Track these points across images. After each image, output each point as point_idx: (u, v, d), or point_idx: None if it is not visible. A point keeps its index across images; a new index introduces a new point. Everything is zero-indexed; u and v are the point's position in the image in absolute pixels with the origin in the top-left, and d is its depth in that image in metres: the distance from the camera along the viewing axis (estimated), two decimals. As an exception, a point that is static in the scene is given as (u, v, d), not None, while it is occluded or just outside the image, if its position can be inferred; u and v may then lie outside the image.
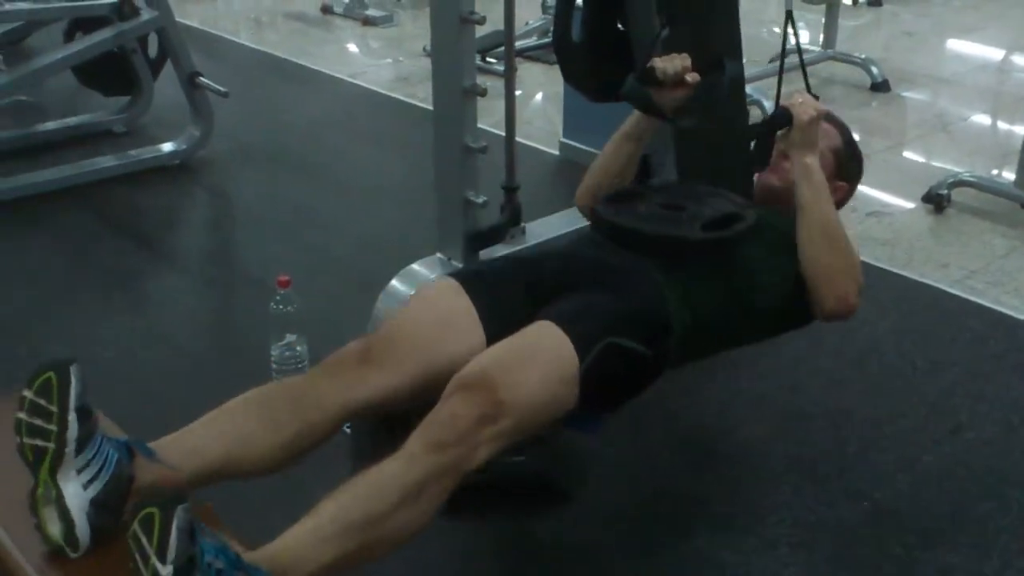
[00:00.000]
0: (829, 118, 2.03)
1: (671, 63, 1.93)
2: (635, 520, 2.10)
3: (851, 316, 1.88)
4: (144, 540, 1.23)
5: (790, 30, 1.97)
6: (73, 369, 1.41)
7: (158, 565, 1.22)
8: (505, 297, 1.79)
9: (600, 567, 2.00)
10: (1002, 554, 2.01)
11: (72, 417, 1.39)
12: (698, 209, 1.90)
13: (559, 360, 1.62)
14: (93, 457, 1.41)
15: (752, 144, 1.98)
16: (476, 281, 1.82)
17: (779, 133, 1.92)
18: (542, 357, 1.62)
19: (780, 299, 1.90)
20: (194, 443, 1.55)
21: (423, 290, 1.83)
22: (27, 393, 1.41)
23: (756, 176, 2.12)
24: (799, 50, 1.96)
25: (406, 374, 1.69)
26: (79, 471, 1.40)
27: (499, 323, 1.72)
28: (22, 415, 1.40)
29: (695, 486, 2.21)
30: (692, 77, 1.94)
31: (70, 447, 1.38)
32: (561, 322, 1.65)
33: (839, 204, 2.02)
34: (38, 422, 1.39)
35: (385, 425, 1.97)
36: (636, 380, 1.75)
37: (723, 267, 1.84)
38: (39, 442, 1.38)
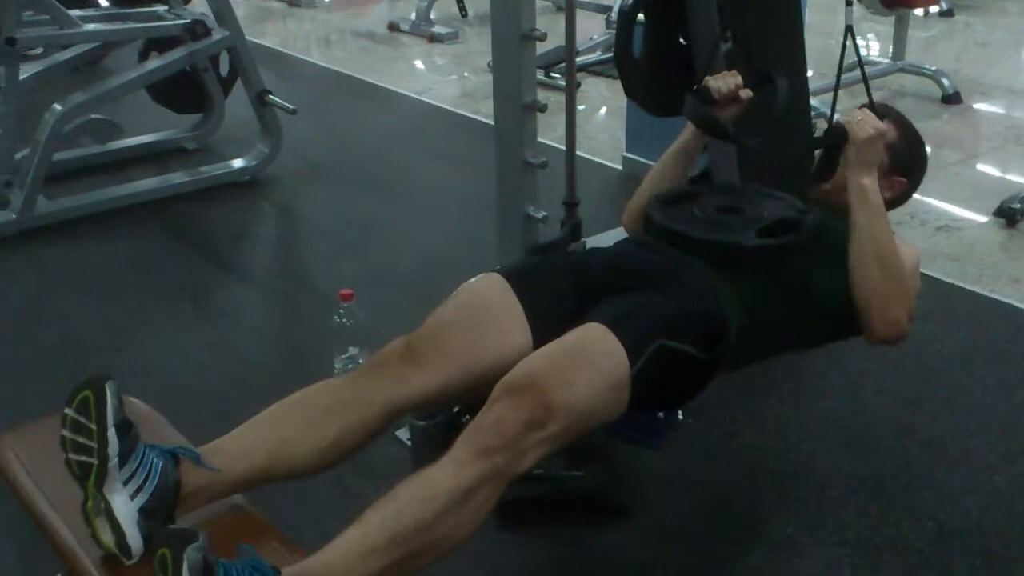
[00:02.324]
0: (888, 113, 1.98)
1: (723, 81, 1.94)
2: (692, 537, 2.09)
3: (901, 342, 1.84)
4: None
5: (851, 43, 1.94)
6: (108, 386, 1.42)
7: None
8: (552, 296, 1.76)
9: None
10: (1075, 578, 1.96)
11: (111, 433, 1.41)
12: (755, 213, 1.86)
13: (610, 364, 1.58)
14: (138, 468, 1.43)
15: (816, 156, 1.97)
16: (523, 278, 1.78)
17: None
18: (592, 361, 1.58)
19: (836, 305, 1.83)
20: (241, 446, 1.57)
21: (469, 284, 1.79)
22: (68, 411, 1.43)
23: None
24: (861, 64, 1.92)
25: (449, 374, 1.67)
26: (125, 483, 1.42)
27: (545, 322, 1.69)
28: (66, 432, 1.42)
29: (755, 504, 2.18)
30: (745, 94, 1.95)
31: (113, 462, 1.41)
32: (612, 325, 1.61)
33: (897, 200, 1.99)
34: (80, 439, 1.41)
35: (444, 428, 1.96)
36: (689, 383, 1.72)
37: (779, 273, 1.80)
38: (83, 458, 1.41)
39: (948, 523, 2.10)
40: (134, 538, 1.41)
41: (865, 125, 1.82)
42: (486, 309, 1.74)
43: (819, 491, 2.21)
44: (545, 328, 1.68)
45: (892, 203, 1.97)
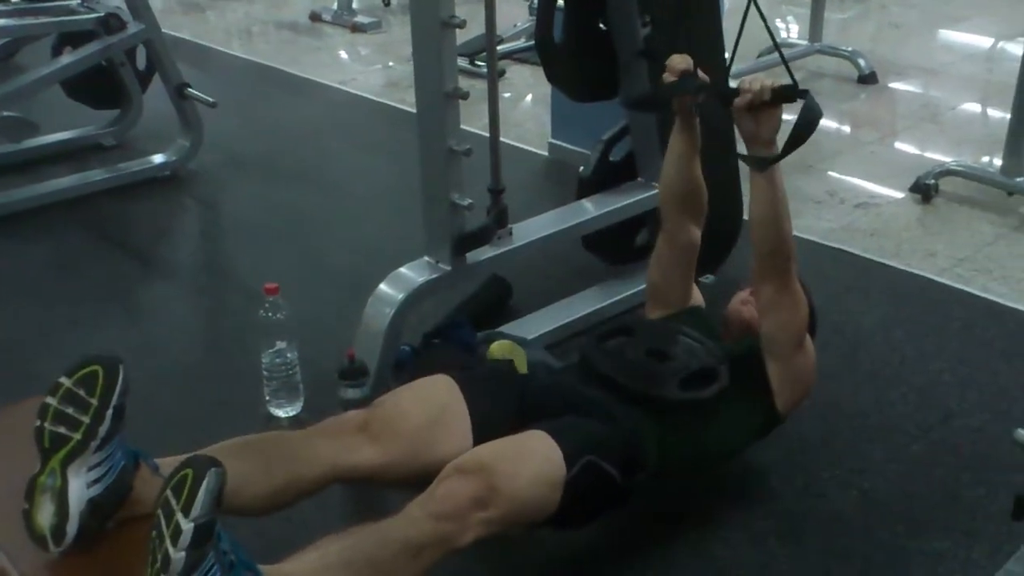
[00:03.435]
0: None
1: (676, 56, 2.05)
2: (624, 515, 2.11)
3: (788, 274, 1.99)
4: (173, 501, 1.27)
5: (766, 24, 1.98)
6: (122, 368, 1.47)
7: (181, 520, 1.25)
8: (496, 407, 1.91)
9: (589, 561, 2.02)
10: (992, 540, 2.02)
11: (109, 414, 1.43)
12: (680, 361, 2.01)
13: (549, 465, 1.72)
14: (106, 458, 1.44)
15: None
16: (472, 385, 1.92)
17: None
18: (534, 458, 1.73)
19: (745, 441, 2.10)
20: None
21: (427, 380, 1.95)
22: (65, 381, 1.44)
23: (728, 309, 2.26)
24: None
25: (395, 457, 1.78)
26: (90, 468, 1.42)
27: (488, 429, 1.83)
28: (52, 401, 1.43)
29: (687, 482, 2.20)
30: (667, 77, 2.07)
31: (95, 442, 1.42)
32: (552, 433, 1.77)
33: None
34: (70, 411, 1.42)
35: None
36: (604, 503, 1.86)
37: (698, 422, 1.97)
38: (63, 430, 1.41)
39: (871, 492, 2.16)
40: (72, 526, 1.40)
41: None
42: (437, 408, 1.87)
43: (747, 466, 2.25)
44: (486, 434, 1.81)
45: None
